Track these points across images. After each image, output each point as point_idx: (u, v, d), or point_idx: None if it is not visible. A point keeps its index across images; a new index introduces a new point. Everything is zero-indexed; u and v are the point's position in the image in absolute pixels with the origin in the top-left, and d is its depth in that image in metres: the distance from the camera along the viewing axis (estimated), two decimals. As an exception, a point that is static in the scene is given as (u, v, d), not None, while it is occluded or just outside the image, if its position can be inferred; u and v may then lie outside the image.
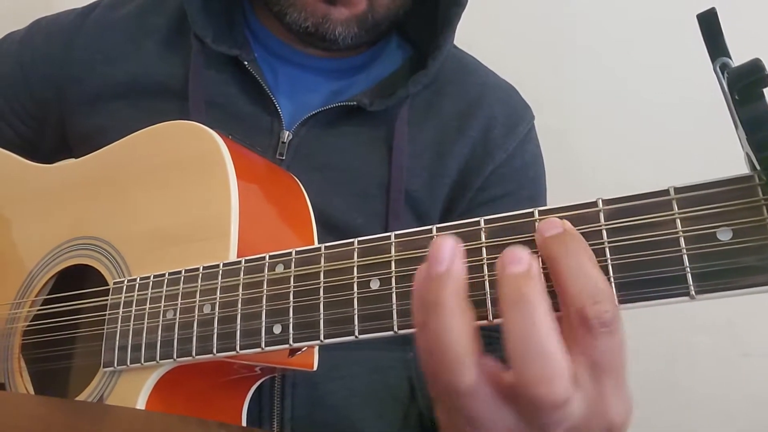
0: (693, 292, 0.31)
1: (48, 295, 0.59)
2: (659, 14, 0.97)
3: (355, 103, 0.67)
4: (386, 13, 0.69)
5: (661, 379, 1.00)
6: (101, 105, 0.70)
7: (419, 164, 0.69)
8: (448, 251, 0.34)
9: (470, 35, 0.82)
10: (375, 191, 0.67)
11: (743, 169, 0.32)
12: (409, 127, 0.70)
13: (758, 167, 0.30)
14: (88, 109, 0.71)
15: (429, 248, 0.34)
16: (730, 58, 0.32)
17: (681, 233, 0.32)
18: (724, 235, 0.31)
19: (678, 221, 0.32)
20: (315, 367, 0.53)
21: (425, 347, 0.34)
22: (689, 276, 0.31)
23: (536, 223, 0.36)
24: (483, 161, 0.71)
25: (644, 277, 0.33)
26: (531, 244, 0.36)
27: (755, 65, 0.28)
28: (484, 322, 0.36)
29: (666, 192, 0.33)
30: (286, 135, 0.67)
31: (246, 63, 0.68)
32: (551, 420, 0.32)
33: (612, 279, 0.33)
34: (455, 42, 0.79)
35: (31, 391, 0.57)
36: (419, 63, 0.71)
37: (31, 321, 0.59)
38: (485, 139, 0.71)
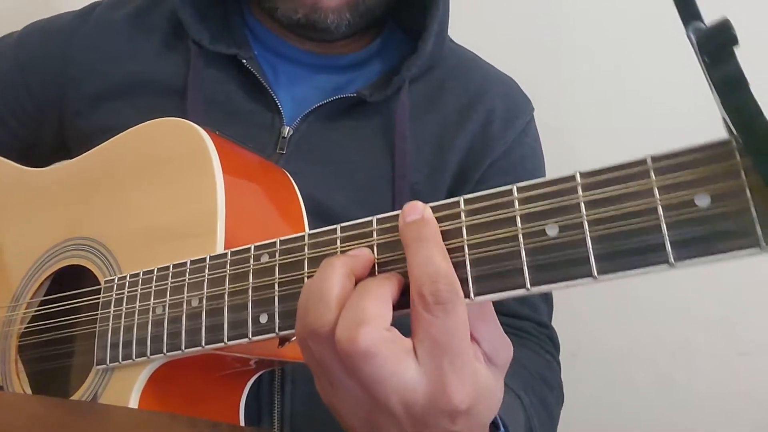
0: (672, 260, 0.31)
1: (43, 296, 0.59)
2: (657, 12, 0.96)
3: (354, 95, 0.67)
4: None
5: (659, 377, 0.99)
6: (102, 105, 0.71)
7: (421, 158, 0.69)
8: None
9: (468, 34, 0.83)
10: (378, 185, 0.67)
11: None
12: (411, 121, 0.70)
13: (734, 131, 0.30)
14: (88, 110, 0.71)
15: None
16: (703, 22, 0.31)
17: (659, 201, 0.31)
18: (702, 201, 0.31)
19: (655, 189, 0.32)
20: None
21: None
22: (668, 244, 0.31)
23: (514, 203, 0.35)
24: (482, 154, 0.71)
25: (623, 248, 0.32)
26: (510, 221, 0.35)
27: (723, 25, 0.27)
28: (467, 300, 0.36)
29: (643, 161, 0.33)
30: (287, 130, 0.67)
31: (244, 61, 0.68)
32: (385, 386, 0.34)
33: (591, 250, 0.33)
34: (455, 39, 0.80)
35: (28, 392, 0.57)
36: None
37: (27, 323, 0.59)
38: (484, 133, 0.71)
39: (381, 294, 0.36)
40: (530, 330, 0.70)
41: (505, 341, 0.39)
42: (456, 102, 0.72)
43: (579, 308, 0.97)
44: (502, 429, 0.45)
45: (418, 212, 0.37)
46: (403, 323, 0.36)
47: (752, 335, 0.96)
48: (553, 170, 0.79)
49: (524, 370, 0.62)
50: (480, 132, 0.71)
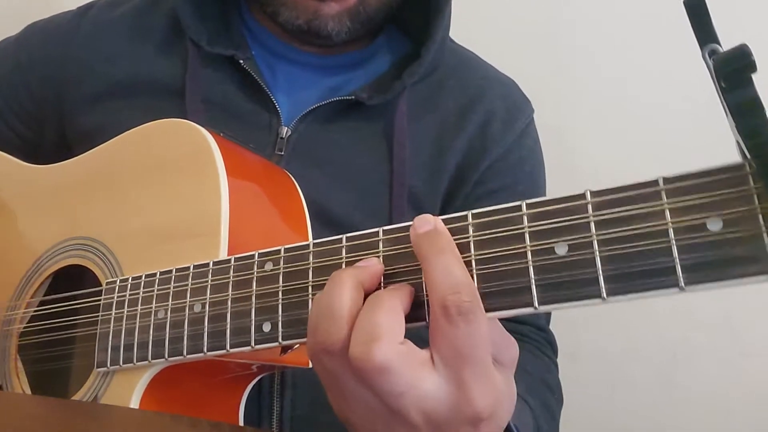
0: (683, 284, 0.30)
1: (43, 296, 0.59)
2: (659, 13, 0.96)
3: (353, 97, 0.67)
4: (378, 5, 0.68)
5: (659, 377, 1.00)
6: (100, 104, 0.70)
7: (419, 160, 0.69)
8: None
9: (468, 33, 0.82)
10: (376, 187, 0.67)
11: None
12: (410, 123, 0.69)
13: (748, 155, 0.30)
14: (87, 109, 0.71)
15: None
16: (720, 44, 0.31)
17: (670, 224, 0.31)
18: (715, 225, 0.30)
19: (667, 212, 0.31)
20: (311, 365, 0.52)
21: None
22: (678, 267, 0.31)
23: (524, 218, 0.35)
24: (480, 156, 0.70)
25: (633, 270, 0.32)
26: (519, 237, 0.35)
27: (741, 51, 0.27)
28: None
29: (655, 182, 0.32)
30: (285, 131, 0.67)
31: (242, 61, 0.68)
32: (404, 399, 0.34)
33: (600, 271, 0.32)
34: (455, 39, 0.79)
35: (28, 392, 0.57)
36: (415, 55, 0.71)
37: (27, 322, 0.59)
38: (483, 134, 0.71)
39: (393, 306, 0.35)
40: (530, 334, 0.70)
41: (509, 341, 0.39)
42: (455, 102, 0.72)
43: (579, 308, 0.97)
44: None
45: (430, 224, 0.36)
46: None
47: (753, 335, 0.96)
48: (553, 173, 0.79)
49: (527, 375, 0.62)
50: (479, 133, 0.71)
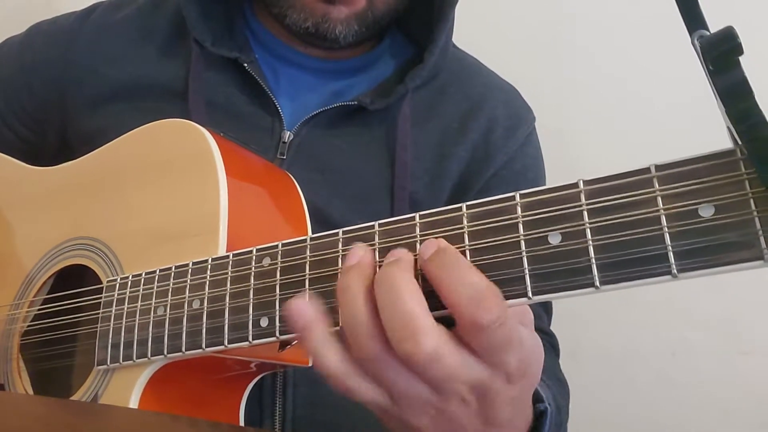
0: (675, 271, 0.30)
1: (46, 295, 0.59)
2: (659, 14, 0.96)
3: (355, 102, 0.67)
4: (386, 10, 0.69)
5: (659, 376, 0.99)
6: (103, 107, 0.71)
7: (421, 166, 0.69)
8: (360, 249, 0.38)
9: (469, 36, 0.82)
10: (377, 192, 0.67)
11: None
12: (412, 128, 0.69)
13: (739, 141, 0.30)
14: (89, 111, 0.71)
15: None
16: (708, 30, 0.31)
17: (662, 211, 0.31)
18: (706, 211, 0.30)
19: (659, 199, 0.31)
20: (310, 363, 0.52)
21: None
22: (671, 254, 0.31)
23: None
24: (483, 164, 0.70)
25: (626, 257, 0.32)
26: (513, 227, 0.35)
27: (727, 33, 0.27)
28: None
29: (647, 170, 0.32)
30: (287, 135, 0.67)
31: (246, 65, 0.68)
32: (451, 386, 0.35)
33: (593, 260, 0.32)
34: (457, 42, 0.79)
35: (30, 392, 0.57)
36: (418, 60, 0.71)
37: (29, 322, 0.59)
38: (486, 142, 0.71)
39: (413, 290, 0.35)
40: None
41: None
42: (457, 108, 0.72)
43: (579, 308, 0.97)
44: (546, 404, 0.46)
45: (433, 246, 0.36)
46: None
47: (753, 334, 0.96)
48: (554, 175, 0.79)
49: None
50: (482, 141, 0.71)
